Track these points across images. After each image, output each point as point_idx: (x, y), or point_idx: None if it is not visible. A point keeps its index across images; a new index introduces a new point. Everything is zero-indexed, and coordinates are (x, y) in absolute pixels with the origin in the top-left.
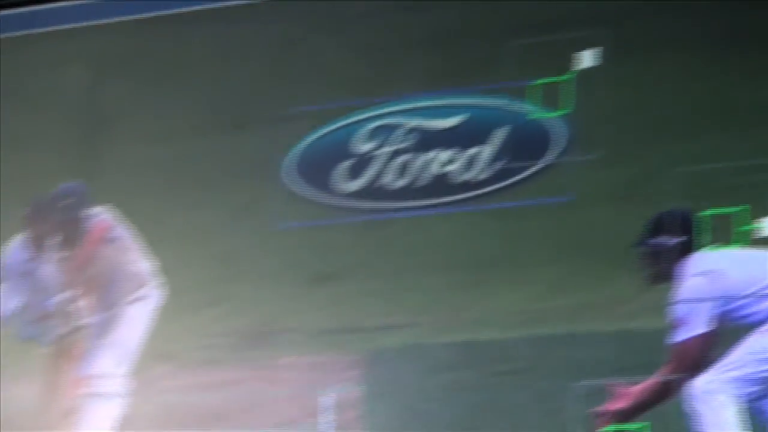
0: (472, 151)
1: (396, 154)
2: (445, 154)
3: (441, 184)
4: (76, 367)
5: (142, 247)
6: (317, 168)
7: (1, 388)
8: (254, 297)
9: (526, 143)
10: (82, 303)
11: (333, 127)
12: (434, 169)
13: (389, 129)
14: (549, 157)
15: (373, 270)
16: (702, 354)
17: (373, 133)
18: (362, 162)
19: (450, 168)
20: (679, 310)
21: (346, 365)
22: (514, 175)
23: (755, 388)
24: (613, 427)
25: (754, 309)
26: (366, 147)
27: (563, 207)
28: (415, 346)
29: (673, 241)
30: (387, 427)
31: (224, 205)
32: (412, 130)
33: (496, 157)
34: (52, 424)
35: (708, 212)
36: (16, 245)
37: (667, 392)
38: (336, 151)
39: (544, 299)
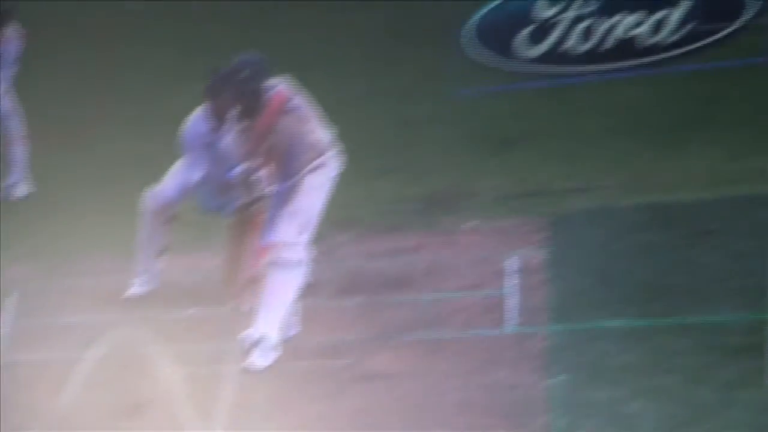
0: (660, 14)
1: (579, 18)
2: (630, 18)
3: (627, 48)
4: (259, 236)
5: (320, 116)
6: (498, 34)
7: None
8: (436, 163)
9: (717, 4)
10: (262, 173)
11: None
12: (619, 32)
13: None
14: (743, 18)
15: (558, 134)
16: None
17: None
18: (545, 27)
19: (636, 32)
20: None
21: (531, 229)
22: (704, 37)
23: None
24: None
25: None
26: (549, 12)
27: (758, 68)
28: (603, 209)
29: None
30: (574, 291)
31: (403, 73)
32: None
33: (685, 20)
34: (237, 293)
35: None
36: (197, 118)
37: None
38: (518, 16)
39: (736, 160)
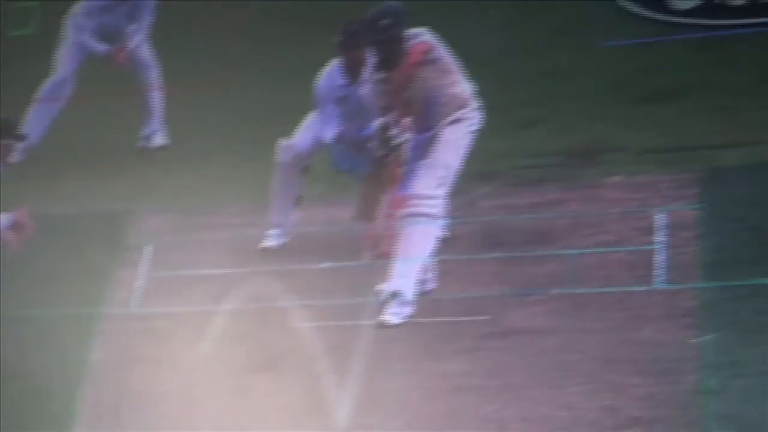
0: None
1: None
2: None
3: None
4: (396, 187)
5: (462, 68)
6: None
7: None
8: (580, 116)
9: None
10: (400, 125)
11: None
12: None
13: None
14: None
15: (712, 88)
16: None
17: None
18: None
19: None
20: None
21: (680, 185)
22: None
23: None
24: None
25: None
26: None
27: None
28: (757, 165)
29: None
30: (726, 247)
31: (548, 23)
32: None
33: None
34: (373, 246)
35: None
36: (331, 71)
37: None
38: None
39: None
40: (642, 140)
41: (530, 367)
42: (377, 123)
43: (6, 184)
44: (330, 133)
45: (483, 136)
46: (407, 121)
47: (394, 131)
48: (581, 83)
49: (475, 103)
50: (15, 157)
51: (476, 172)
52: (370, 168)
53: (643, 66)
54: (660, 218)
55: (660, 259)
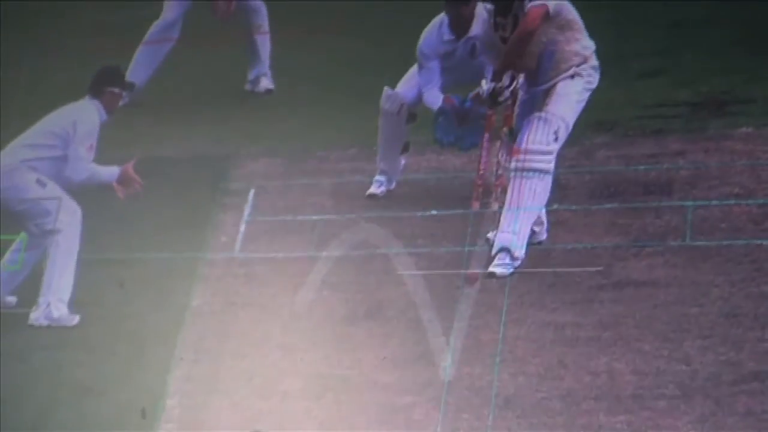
0: None
1: None
2: None
3: None
4: (509, 140)
5: (583, 21)
6: None
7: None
8: (706, 67)
9: None
10: (506, 96)
11: None
12: None
13: None
14: None
15: None
16: None
17: None
18: None
19: None
20: None
21: None
22: None
23: None
24: None
25: None
26: None
27: None
28: None
29: None
30: None
31: None
32: None
33: None
34: (483, 196)
35: None
36: (436, 26)
37: None
38: None
39: None
40: None
41: (644, 319)
42: (488, 87)
43: (110, 129)
44: (431, 97)
45: (601, 87)
46: (525, 74)
47: (505, 90)
48: (708, 34)
49: (594, 61)
50: (121, 101)
51: (593, 121)
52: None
53: None
54: None
55: None
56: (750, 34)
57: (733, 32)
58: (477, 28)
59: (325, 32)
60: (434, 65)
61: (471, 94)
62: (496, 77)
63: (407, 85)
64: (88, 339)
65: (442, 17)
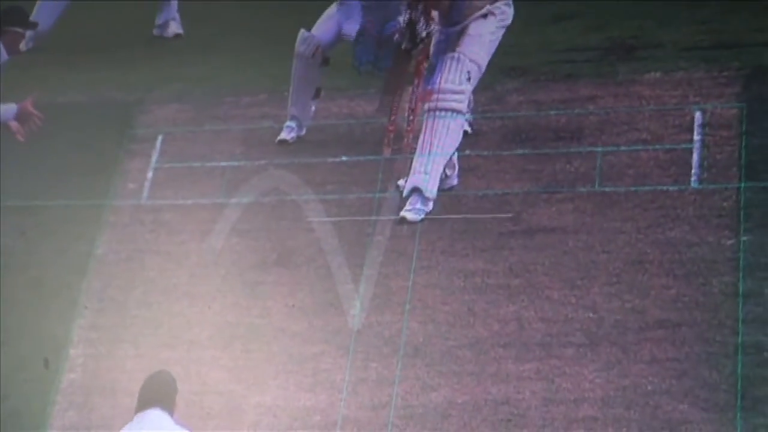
0: None
1: None
2: None
3: None
4: (421, 80)
5: None
6: None
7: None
8: (616, 11)
9: None
10: (427, 19)
11: None
12: None
13: None
14: None
15: None
16: None
17: None
18: None
19: None
20: None
21: (720, 83)
22: None
23: None
24: None
25: None
26: None
27: None
28: None
29: None
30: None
31: None
32: None
33: None
34: (394, 140)
35: None
36: None
37: None
38: None
39: None
40: (682, 37)
41: (553, 266)
42: (403, 16)
43: (15, 73)
44: (351, 26)
45: (513, 30)
46: (434, 14)
47: (421, 25)
48: None
49: None
50: (24, 46)
51: (505, 66)
52: (394, 61)
53: None
54: (698, 116)
55: (696, 158)
56: None
57: None
58: None
59: None
60: (353, 2)
61: (394, 20)
62: (411, 5)
63: (323, 27)
64: None
65: None
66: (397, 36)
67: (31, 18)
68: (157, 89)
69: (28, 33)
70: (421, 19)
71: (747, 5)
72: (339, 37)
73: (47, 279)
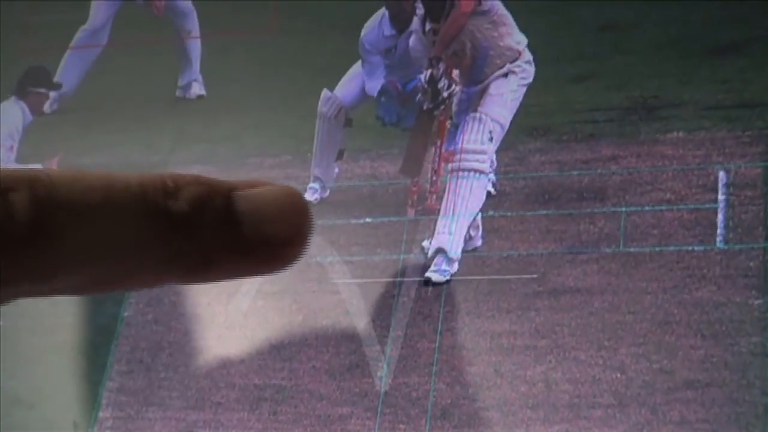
0: None
1: None
2: None
3: None
4: (444, 141)
5: (513, 20)
6: None
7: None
8: (638, 70)
9: None
10: (449, 78)
11: None
12: None
13: None
14: None
15: None
16: None
17: None
18: None
19: None
20: None
21: (744, 142)
22: None
23: None
24: None
25: None
26: None
27: None
28: None
29: None
30: None
31: None
32: None
33: None
34: (417, 202)
35: None
36: (378, 21)
37: None
38: None
39: None
40: (704, 96)
41: (580, 327)
42: (425, 74)
43: (40, 135)
44: (374, 84)
45: (534, 90)
46: (456, 73)
47: (443, 83)
48: (639, 37)
49: (528, 56)
50: (49, 107)
51: (527, 126)
52: (417, 120)
53: (705, 18)
54: (722, 176)
55: (721, 217)
56: (679, 37)
57: (663, 34)
58: (417, 23)
59: (257, 33)
60: (377, 60)
61: (416, 78)
62: (432, 64)
63: (346, 87)
64: (18, 349)
65: (383, 11)
66: (419, 96)
67: (55, 79)
68: (179, 150)
69: (53, 94)
70: (443, 77)
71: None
72: (362, 96)
73: (76, 342)
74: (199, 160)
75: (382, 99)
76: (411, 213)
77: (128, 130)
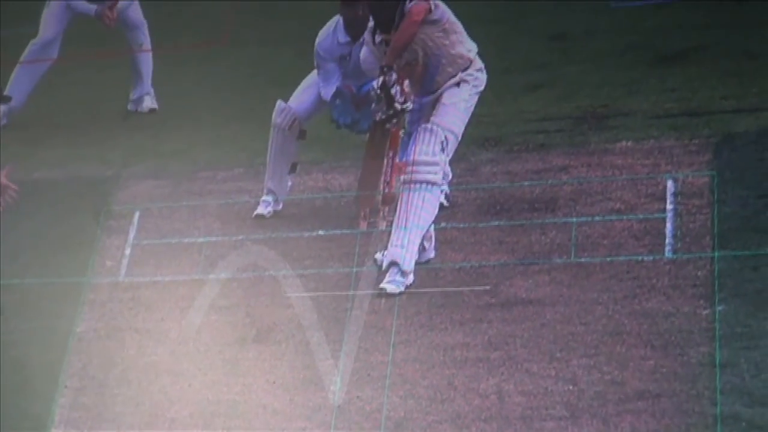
0: None
1: None
2: None
3: None
4: (396, 153)
5: (463, 28)
6: None
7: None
8: (587, 80)
9: None
10: (401, 87)
11: None
12: None
13: None
14: None
15: (725, 50)
16: None
17: None
18: None
19: None
20: None
21: (692, 150)
22: None
23: None
24: None
25: None
26: None
27: None
28: None
29: None
30: (741, 216)
31: None
32: None
33: None
34: (370, 213)
35: None
36: (332, 28)
37: None
38: None
39: None
40: (651, 105)
41: (532, 339)
42: (377, 81)
43: None
44: (329, 90)
45: (486, 100)
46: (409, 83)
47: (396, 89)
48: (587, 46)
49: (479, 64)
50: None
51: (478, 136)
52: (371, 134)
53: (654, 27)
54: (670, 185)
55: (670, 227)
56: (629, 46)
57: (613, 43)
58: (367, 35)
59: (209, 45)
60: (332, 67)
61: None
62: (384, 71)
63: (300, 98)
64: None
65: (337, 19)
66: (373, 105)
67: (5, 92)
68: (133, 165)
69: (2, 108)
70: (395, 84)
71: (714, 73)
72: (316, 106)
73: (27, 358)
74: (151, 175)
75: (337, 101)
76: (363, 225)
77: (79, 145)
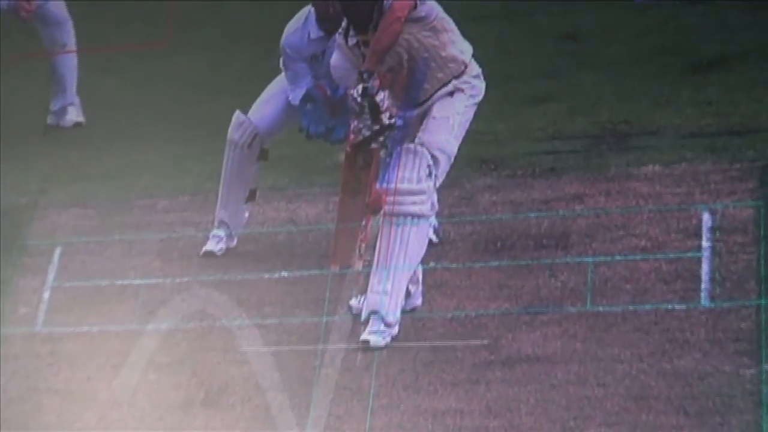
0: None
1: None
2: None
3: None
4: (377, 178)
5: (456, 27)
6: None
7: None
8: (606, 89)
9: None
10: (382, 97)
11: None
12: None
13: None
14: None
15: None
16: None
17: None
18: None
19: None
20: None
21: (732, 176)
22: None
23: None
24: None
25: None
26: None
27: None
28: None
29: None
30: None
31: None
32: None
33: None
34: (345, 251)
35: None
36: (301, 22)
37: None
38: None
39: None
40: (683, 121)
41: (540, 404)
42: (357, 89)
43: None
44: (298, 95)
45: (483, 115)
46: (392, 92)
47: (381, 96)
48: (606, 49)
49: (475, 69)
50: None
51: (475, 158)
52: (347, 154)
53: (686, 27)
54: (707, 218)
55: (707, 269)
56: (655, 50)
57: (636, 47)
58: (339, 37)
59: (148, 47)
60: (301, 68)
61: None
62: (363, 78)
63: (263, 109)
64: None
65: (307, 11)
66: (354, 122)
67: None
68: (52, 191)
69: None
70: (378, 91)
71: (759, 83)
72: (282, 120)
73: None
74: (76, 203)
75: (308, 106)
76: (338, 265)
77: None
